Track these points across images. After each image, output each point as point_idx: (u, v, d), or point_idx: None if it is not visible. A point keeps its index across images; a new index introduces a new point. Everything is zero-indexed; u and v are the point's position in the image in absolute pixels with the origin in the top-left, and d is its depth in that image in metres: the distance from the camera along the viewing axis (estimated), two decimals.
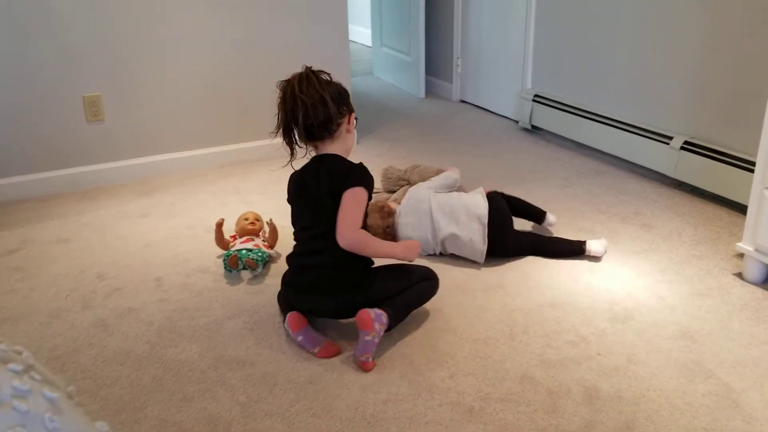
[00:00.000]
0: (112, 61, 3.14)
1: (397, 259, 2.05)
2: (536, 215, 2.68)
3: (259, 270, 2.40)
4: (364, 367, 1.90)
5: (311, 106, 1.90)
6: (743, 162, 2.77)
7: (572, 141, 3.73)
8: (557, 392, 1.80)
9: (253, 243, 2.46)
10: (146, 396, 1.81)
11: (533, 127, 3.97)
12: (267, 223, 2.59)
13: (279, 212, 2.90)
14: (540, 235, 2.63)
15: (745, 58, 2.76)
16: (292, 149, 2.00)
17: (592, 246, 2.49)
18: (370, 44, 5.94)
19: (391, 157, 3.51)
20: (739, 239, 2.56)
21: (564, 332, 2.06)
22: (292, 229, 2.11)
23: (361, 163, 2.02)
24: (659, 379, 1.85)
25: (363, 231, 1.96)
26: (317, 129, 1.94)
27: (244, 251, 2.41)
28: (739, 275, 2.36)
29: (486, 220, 2.40)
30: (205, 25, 3.27)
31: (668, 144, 3.10)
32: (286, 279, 2.11)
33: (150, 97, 3.27)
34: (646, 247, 2.57)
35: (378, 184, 3.01)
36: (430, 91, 4.89)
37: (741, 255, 2.44)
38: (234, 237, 2.55)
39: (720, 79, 2.88)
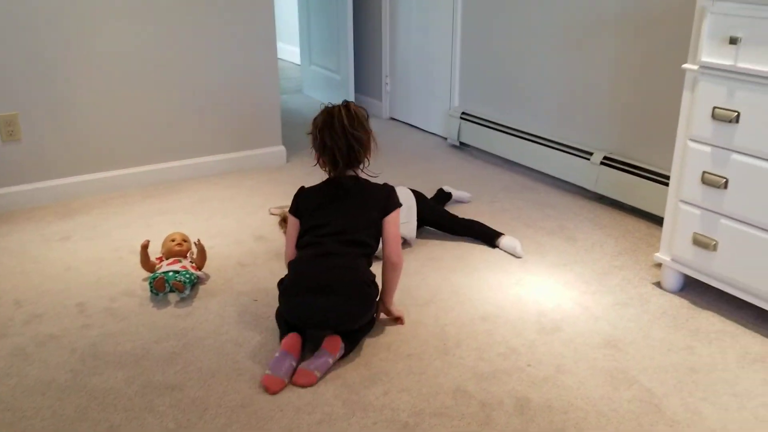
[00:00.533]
0: (30, 79, 3.04)
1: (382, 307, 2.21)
2: (445, 197, 3.15)
3: (187, 292, 2.36)
4: (307, 378, 1.89)
5: (357, 144, 2.09)
6: (659, 176, 2.90)
7: (499, 157, 3.81)
8: (490, 404, 1.83)
9: (180, 264, 2.41)
10: (69, 427, 1.75)
11: (461, 143, 4.04)
12: (195, 243, 2.54)
13: (207, 232, 2.86)
14: (461, 217, 2.91)
15: (657, 79, 2.90)
16: (337, 172, 2.13)
17: (504, 241, 2.73)
18: (299, 62, 5.94)
19: (321, 175, 3.49)
20: (657, 250, 2.67)
21: (495, 345, 2.10)
22: (298, 236, 2.14)
23: (389, 184, 2.21)
24: (586, 388, 1.90)
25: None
26: (355, 160, 2.12)
27: (171, 273, 2.35)
28: (658, 284, 2.45)
29: (415, 207, 2.76)
30: (129, 43, 3.21)
31: (589, 159, 3.21)
32: (292, 283, 2.06)
33: (70, 116, 3.17)
34: (571, 260, 2.65)
35: None
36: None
37: (659, 265, 2.54)
38: (160, 259, 2.49)
39: (635, 98, 3.01)
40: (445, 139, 4.18)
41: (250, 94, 3.58)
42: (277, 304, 2.14)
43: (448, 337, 2.14)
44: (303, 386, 1.89)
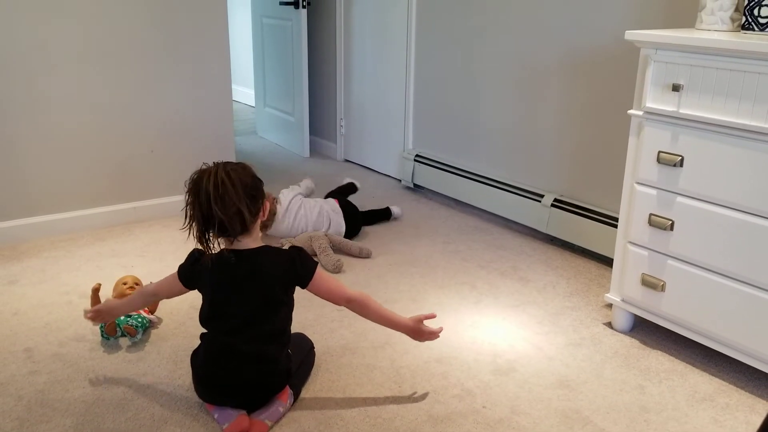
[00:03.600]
0: None
1: (403, 332, 2.06)
2: (385, 214, 3.52)
3: (139, 336, 2.31)
4: (258, 428, 1.86)
5: (228, 220, 1.79)
6: (608, 218, 2.98)
7: (453, 199, 3.87)
8: None
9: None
10: None
11: (415, 185, 4.09)
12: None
13: (160, 275, 2.81)
14: (367, 211, 3.45)
15: (605, 123, 3.00)
16: (207, 247, 1.85)
17: (394, 210, 3.52)
18: (253, 104, 5.96)
19: None
20: (608, 290, 2.73)
21: (450, 387, 2.10)
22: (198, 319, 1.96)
23: (294, 247, 1.99)
24: (541, 428, 1.91)
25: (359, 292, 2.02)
26: (233, 233, 1.84)
27: (122, 317, 2.31)
28: (609, 324, 2.50)
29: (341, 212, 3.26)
30: (79, 84, 3.18)
31: (540, 201, 3.28)
32: (201, 373, 1.93)
33: (18, 158, 3.11)
34: (524, 300, 2.69)
35: None
36: (314, 150, 4.94)
37: (610, 305, 2.60)
38: None
39: (584, 141, 3.11)
40: (400, 180, 4.22)
41: (203, 135, 3.57)
42: None
43: (403, 380, 2.13)
44: None
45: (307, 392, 2.05)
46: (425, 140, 4.06)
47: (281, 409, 1.93)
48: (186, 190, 1.84)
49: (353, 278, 2.84)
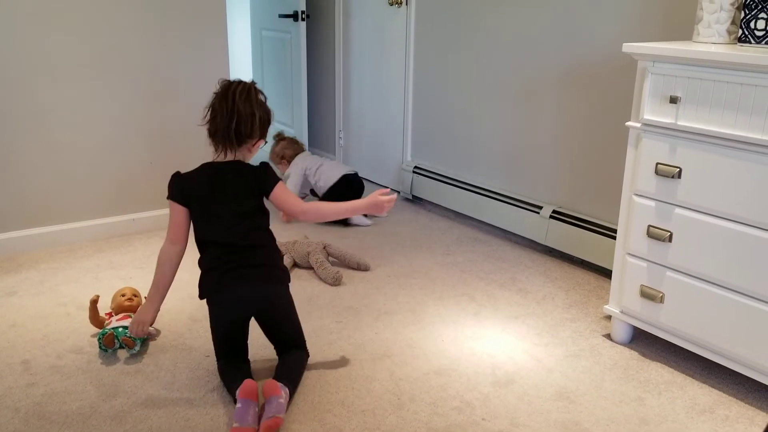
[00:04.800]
0: None
1: (364, 212, 2.32)
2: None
3: (137, 348, 2.30)
4: (275, 425, 1.86)
5: (244, 120, 2.09)
6: (606, 229, 2.98)
7: (452, 210, 3.87)
8: None
9: (130, 320, 2.36)
10: None
11: (414, 197, 4.10)
12: (145, 298, 2.50)
13: None
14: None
15: (603, 135, 3.01)
16: (215, 145, 2.15)
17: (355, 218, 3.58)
18: None
19: (273, 230, 3.49)
20: (606, 302, 2.73)
21: (449, 399, 2.09)
22: (185, 240, 2.18)
23: (263, 163, 2.20)
24: None
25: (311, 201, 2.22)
26: (235, 137, 2.10)
27: (120, 329, 2.30)
28: (608, 336, 2.50)
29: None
30: (78, 94, 3.19)
31: (539, 213, 3.28)
32: (216, 285, 2.07)
33: (18, 168, 3.12)
34: (523, 312, 2.68)
35: None
36: None
37: (609, 317, 2.60)
38: (110, 314, 2.43)
39: (582, 153, 3.11)
40: (399, 192, 4.23)
41: (203, 147, 3.55)
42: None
43: (402, 392, 2.13)
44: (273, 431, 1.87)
45: (305, 404, 2.05)
46: (424, 152, 4.06)
47: (282, 401, 1.93)
48: (214, 93, 2.15)
49: (352, 290, 2.84)
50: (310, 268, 3.03)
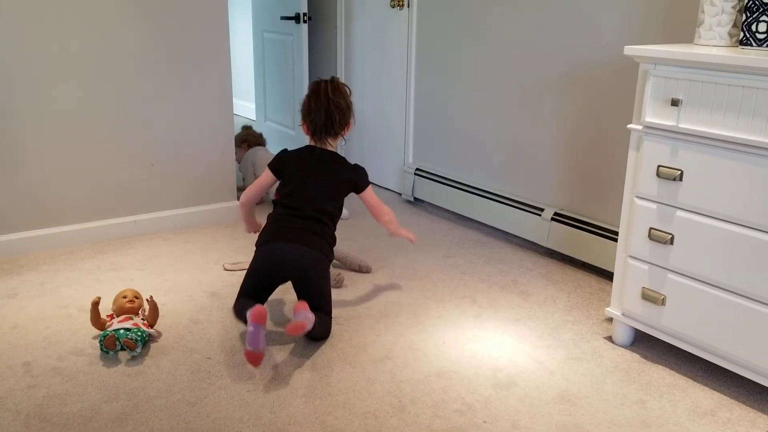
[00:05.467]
0: None
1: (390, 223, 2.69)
2: None
3: (138, 350, 2.30)
4: (300, 327, 2.16)
5: (339, 113, 2.49)
6: (608, 232, 2.98)
7: (453, 213, 3.87)
8: None
9: (131, 322, 2.36)
10: None
11: (416, 199, 4.10)
12: (147, 300, 2.50)
13: (159, 289, 2.81)
14: None
15: (605, 137, 3.01)
16: (313, 138, 2.56)
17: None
18: (254, 118, 5.98)
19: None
20: (608, 304, 2.73)
21: (451, 401, 2.09)
22: (273, 193, 2.59)
23: (357, 164, 2.63)
24: None
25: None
26: (333, 127, 2.51)
27: (122, 331, 2.30)
28: (610, 339, 2.49)
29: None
30: (80, 97, 3.19)
31: (540, 215, 3.28)
32: (271, 235, 2.41)
33: (20, 170, 3.12)
34: (524, 314, 2.68)
35: None
36: None
37: (610, 319, 2.59)
38: (111, 316, 2.43)
39: (584, 155, 3.11)
40: (400, 194, 4.23)
41: (204, 149, 3.59)
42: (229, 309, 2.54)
43: (403, 394, 2.13)
44: (297, 334, 2.19)
45: (306, 407, 2.05)
46: (426, 154, 4.06)
47: (310, 316, 2.20)
48: (305, 99, 2.53)
49: (354, 292, 2.84)
50: None
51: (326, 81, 2.51)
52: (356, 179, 2.57)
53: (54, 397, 2.07)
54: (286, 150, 2.59)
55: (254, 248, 2.48)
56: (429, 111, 3.98)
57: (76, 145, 3.23)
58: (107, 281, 2.89)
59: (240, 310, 2.36)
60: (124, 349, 2.30)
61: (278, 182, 2.58)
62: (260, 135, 4.46)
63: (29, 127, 3.10)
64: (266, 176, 2.59)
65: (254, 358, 2.13)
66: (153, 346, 2.39)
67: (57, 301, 2.71)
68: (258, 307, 2.18)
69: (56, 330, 2.48)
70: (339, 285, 2.88)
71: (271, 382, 2.17)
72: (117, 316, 2.41)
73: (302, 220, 2.42)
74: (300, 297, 2.40)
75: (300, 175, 2.50)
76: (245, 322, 2.23)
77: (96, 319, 2.38)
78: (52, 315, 2.59)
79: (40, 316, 2.58)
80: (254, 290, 2.42)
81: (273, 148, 5.26)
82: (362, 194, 2.59)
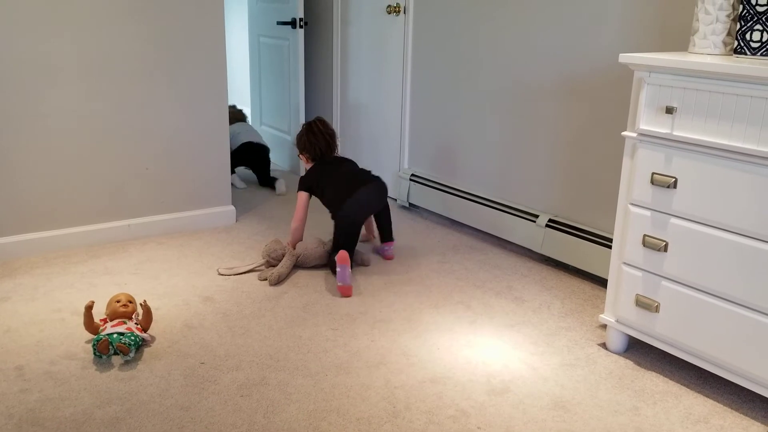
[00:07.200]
0: None
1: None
2: (271, 181, 4.48)
3: (132, 355, 2.30)
4: (390, 251, 3.27)
5: (333, 141, 3.26)
6: (602, 239, 2.98)
7: (448, 218, 3.87)
8: None
9: (125, 326, 2.35)
10: None
11: (411, 204, 4.10)
12: (140, 304, 2.49)
13: (153, 293, 2.81)
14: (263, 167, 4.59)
15: (599, 144, 3.01)
16: (320, 159, 3.26)
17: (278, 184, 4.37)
18: (250, 122, 5.97)
19: (271, 236, 3.50)
20: (602, 311, 2.73)
21: (445, 407, 2.09)
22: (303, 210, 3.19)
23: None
24: None
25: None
26: (334, 150, 3.26)
27: (115, 335, 2.30)
28: (603, 345, 2.50)
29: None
30: (74, 100, 3.19)
31: (535, 222, 3.29)
32: (353, 206, 3.07)
33: (14, 173, 3.11)
34: (518, 320, 2.68)
35: (260, 259, 3.06)
36: None
37: (604, 326, 2.60)
38: (104, 320, 2.43)
39: (579, 162, 3.12)
40: (395, 200, 4.23)
41: (199, 153, 3.58)
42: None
43: (397, 400, 2.13)
44: (391, 257, 3.26)
45: (300, 412, 2.04)
46: (421, 160, 4.07)
47: (349, 271, 2.87)
48: (303, 137, 3.25)
49: (348, 298, 2.84)
50: (312, 267, 3.11)
51: (315, 121, 3.26)
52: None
53: (47, 401, 2.06)
54: (308, 173, 3.25)
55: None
56: (425, 117, 3.98)
57: (70, 148, 3.23)
58: (101, 285, 2.89)
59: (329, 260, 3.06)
60: (118, 354, 2.30)
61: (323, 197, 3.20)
62: (240, 111, 4.92)
63: (22, 130, 3.10)
64: (303, 200, 3.19)
65: (345, 290, 2.82)
66: (146, 350, 2.38)
67: (50, 304, 2.70)
68: (342, 251, 2.83)
69: (49, 334, 2.47)
70: (366, 264, 3.21)
71: (264, 387, 2.17)
72: (110, 321, 2.41)
73: (363, 174, 3.23)
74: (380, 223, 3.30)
75: (335, 175, 3.17)
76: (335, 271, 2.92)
77: (89, 323, 2.38)
78: (46, 319, 2.58)
79: (33, 320, 2.57)
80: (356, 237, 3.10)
81: (269, 154, 5.27)
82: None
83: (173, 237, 3.50)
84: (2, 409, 2.01)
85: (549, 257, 3.28)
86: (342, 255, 2.83)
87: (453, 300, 2.85)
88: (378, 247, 3.34)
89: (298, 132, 3.27)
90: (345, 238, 3.04)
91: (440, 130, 3.88)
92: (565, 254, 3.16)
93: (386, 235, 3.34)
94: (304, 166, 3.27)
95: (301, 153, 3.26)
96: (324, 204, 3.20)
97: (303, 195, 3.20)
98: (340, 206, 3.06)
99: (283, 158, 5.05)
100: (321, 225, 3.61)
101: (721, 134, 2.01)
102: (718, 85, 2.00)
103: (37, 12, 3.02)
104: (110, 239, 3.39)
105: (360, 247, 3.42)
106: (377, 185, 3.17)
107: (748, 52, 2.16)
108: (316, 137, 3.21)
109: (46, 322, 2.55)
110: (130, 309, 2.46)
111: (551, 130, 3.22)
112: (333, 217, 3.12)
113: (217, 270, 3.06)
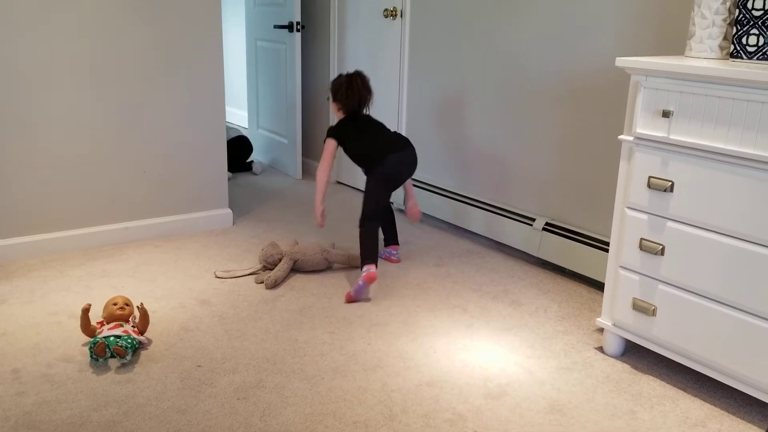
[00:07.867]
0: None
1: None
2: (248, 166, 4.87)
3: (129, 358, 2.29)
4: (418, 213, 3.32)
5: (368, 95, 3.16)
6: (599, 242, 2.99)
7: (445, 222, 3.88)
8: None
9: (122, 329, 2.35)
10: None
11: None
12: (137, 307, 2.49)
13: (150, 296, 2.80)
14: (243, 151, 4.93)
15: (596, 148, 3.02)
16: (353, 112, 3.16)
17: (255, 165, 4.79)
18: (246, 126, 5.97)
19: (268, 239, 3.49)
20: (599, 315, 2.73)
21: (442, 411, 2.09)
22: (352, 156, 3.15)
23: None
24: None
25: None
26: (368, 103, 3.18)
27: (112, 338, 2.29)
28: (600, 349, 2.50)
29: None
30: (71, 104, 3.19)
31: (531, 225, 3.29)
32: (385, 170, 3.05)
33: (10, 175, 3.11)
34: (515, 324, 2.69)
35: (257, 263, 3.05)
36: (307, 172, 4.95)
37: (601, 330, 2.60)
38: (101, 323, 2.42)
39: (576, 166, 3.13)
40: (392, 203, 4.23)
41: (196, 156, 3.58)
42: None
43: (394, 403, 2.12)
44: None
45: (297, 416, 2.04)
46: (418, 163, 4.06)
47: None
48: (337, 85, 3.15)
49: (344, 301, 2.84)
50: (311, 272, 3.10)
51: (355, 74, 3.15)
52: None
53: (43, 404, 2.06)
54: (339, 123, 3.17)
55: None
56: (421, 120, 3.99)
57: (67, 151, 3.22)
58: (98, 288, 2.88)
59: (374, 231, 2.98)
60: (114, 357, 2.29)
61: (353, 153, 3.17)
62: None
63: (19, 133, 3.09)
64: (332, 147, 3.12)
65: (350, 299, 2.81)
66: (143, 353, 2.38)
67: (47, 307, 2.70)
68: (372, 273, 2.81)
69: (46, 337, 2.46)
70: (355, 262, 3.13)
71: (261, 390, 2.16)
72: (107, 323, 2.40)
73: (393, 139, 3.16)
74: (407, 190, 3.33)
75: (365, 136, 3.14)
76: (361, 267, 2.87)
77: (86, 326, 2.37)
78: (42, 322, 2.58)
79: (29, 323, 2.56)
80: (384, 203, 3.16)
81: (264, 157, 5.27)
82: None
83: (170, 240, 3.50)
84: None
85: (546, 261, 3.28)
86: (371, 275, 2.80)
87: (450, 303, 2.85)
88: (383, 250, 3.31)
89: (336, 79, 3.17)
90: (373, 206, 3.03)
91: (437, 133, 3.88)
92: (562, 258, 3.17)
93: (391, 238, 3.33)
94: (334, 113, 3.21)
95: (334, 101, 3.17)
96: (350, 157, 3.18)
97: (332, 142, 3.12)
98: (372, 165, 3.06)
99: (281, 162, 5.04)
100: (321, 233, 3.61)
101: (717, 138, 2.02)
102: (715, 89, 2.01)
103: (30, 15, 3.02)
104: (107, 242, 3.39)
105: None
106: (409, 152, 3.11)
107: (745, 57, 2.17)
108: (353, 92, 3.13)
109: (43, 325, 2.55)
110: (126, 312, 2.46)
111: (548, 134, 3.23)
112: (366, 173, 3.11)
113: (214, 273, 3.06)
